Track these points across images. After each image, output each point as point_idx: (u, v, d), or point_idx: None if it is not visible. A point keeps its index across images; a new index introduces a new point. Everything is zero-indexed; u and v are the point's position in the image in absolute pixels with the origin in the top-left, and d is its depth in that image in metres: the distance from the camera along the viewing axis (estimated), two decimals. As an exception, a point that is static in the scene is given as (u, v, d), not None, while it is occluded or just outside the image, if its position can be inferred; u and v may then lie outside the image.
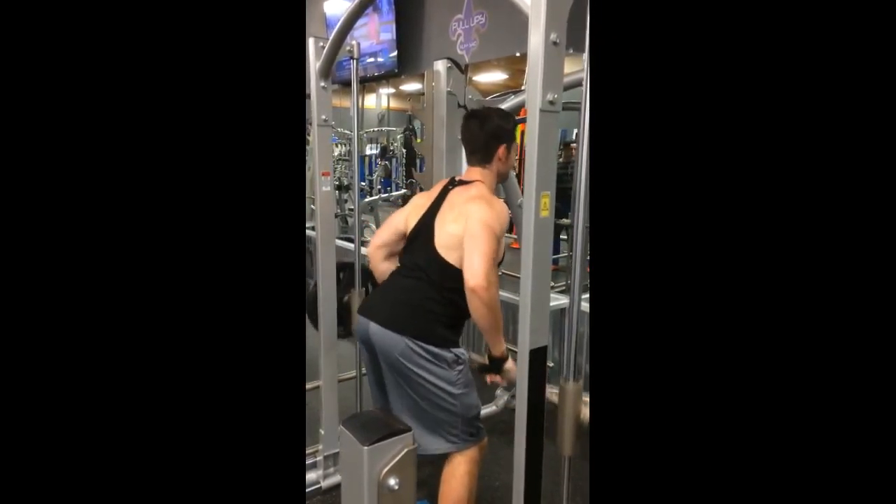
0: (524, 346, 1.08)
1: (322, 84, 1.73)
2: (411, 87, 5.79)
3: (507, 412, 2.47)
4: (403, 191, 5.60)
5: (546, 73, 0.98)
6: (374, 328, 1.47)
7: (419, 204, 1.63)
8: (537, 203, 1.02)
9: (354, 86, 1.80)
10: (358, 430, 1.10)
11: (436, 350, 1.42)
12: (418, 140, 5.14)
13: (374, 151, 6.55)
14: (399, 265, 1.61)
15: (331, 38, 1.65)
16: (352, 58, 1.80)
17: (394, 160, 6.27)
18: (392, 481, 1.06)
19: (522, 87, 3.59)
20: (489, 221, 1.42)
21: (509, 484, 2.04)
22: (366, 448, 1.05)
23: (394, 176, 6.22)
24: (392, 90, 5.99)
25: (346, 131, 4.55)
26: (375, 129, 6.20)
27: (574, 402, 1.14)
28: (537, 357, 1.09)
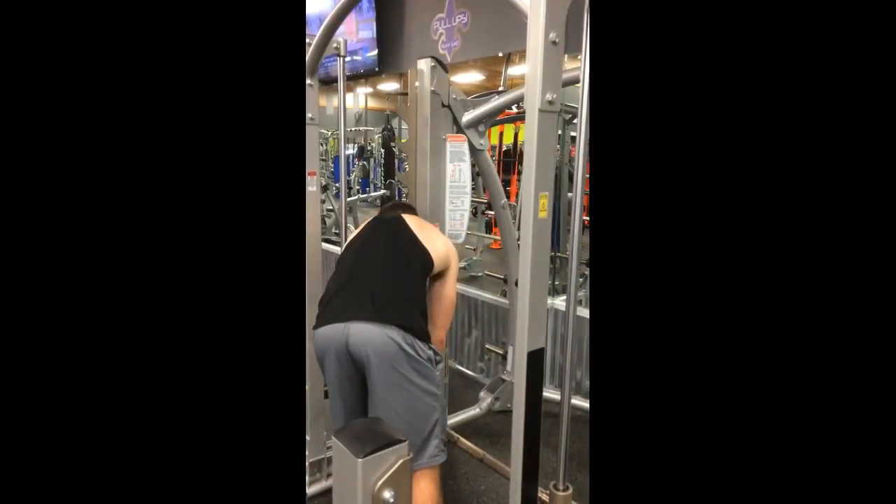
0: (522, 348, 1.06)
1: (308, 82, 1.69)
2: (389, 86, 5.76)
3: (491, 414, 2.46)
4: (382, 192, 5.56)
5: (545, 72, 0.97)
6: (356, 330, 1.31)
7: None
8: (536, 204, 1.01)
9: (341, 84, 1.77)
10: (351, 440, 1.05)
11: (421, 344, 1.33)
12: (401, 140, 5.11)
13: (351, 151, 6.49)
14: (351, 263, 1.48)
15: (318, 35, 1.62)
16: (338, 55, 1.76)
17: (371, 160, 6.22)
18: (387, 494, 1.02)
19: (500, 88, 3.59)
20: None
21: (495, 487, 2.05)
22: (360, 460, 1.01)
23: (372, 176, 6.17)
24: (370, 89, 5.95)
25: (323, 130, 4.51)
26: (353, 129, 6.15)
27: None
28: (535, 358, 1.07)
